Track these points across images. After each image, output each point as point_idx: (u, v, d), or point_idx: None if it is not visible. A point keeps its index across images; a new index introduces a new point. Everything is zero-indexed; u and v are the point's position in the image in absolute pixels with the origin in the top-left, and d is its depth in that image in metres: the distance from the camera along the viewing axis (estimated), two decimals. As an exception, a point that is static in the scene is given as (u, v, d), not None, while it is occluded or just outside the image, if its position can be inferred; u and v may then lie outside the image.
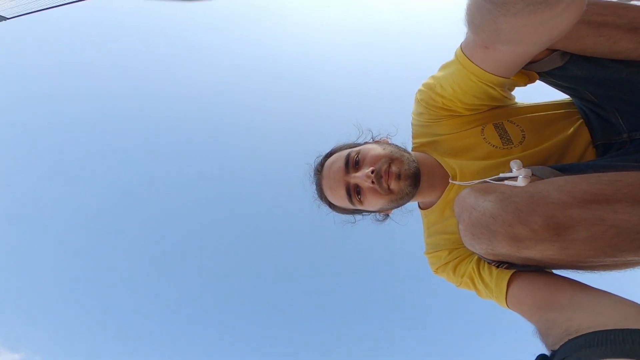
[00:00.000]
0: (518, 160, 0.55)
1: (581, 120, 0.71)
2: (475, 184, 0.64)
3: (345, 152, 0.76)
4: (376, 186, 0.69)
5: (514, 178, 0.54)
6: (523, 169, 0.54)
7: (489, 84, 0.65)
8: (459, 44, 0.65)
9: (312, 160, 0.88)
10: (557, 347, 0.41)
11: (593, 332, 0.37)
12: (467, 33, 0.61)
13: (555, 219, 0.42)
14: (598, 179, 0.44)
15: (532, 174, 0.53)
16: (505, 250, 0.46)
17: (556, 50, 0.62)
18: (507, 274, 0.60)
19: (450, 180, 0.72)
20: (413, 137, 0.83)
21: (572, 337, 0.39)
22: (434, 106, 0.74)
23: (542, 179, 0.52)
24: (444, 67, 0.72)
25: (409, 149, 0.83)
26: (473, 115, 0.73)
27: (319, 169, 0.82)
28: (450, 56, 0.68)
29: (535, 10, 0.42)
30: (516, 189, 0.48)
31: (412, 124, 0.82)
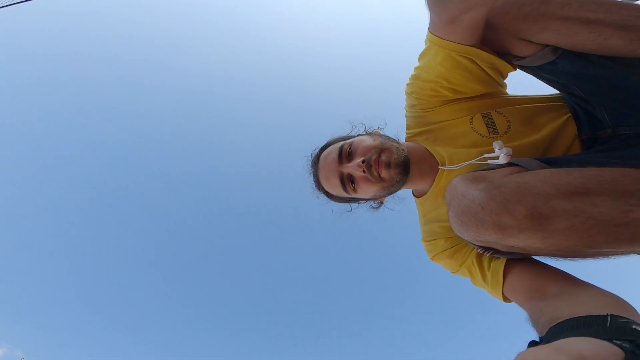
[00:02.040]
0: (500, 141, 0.62)
1: (569, 114, 0.73)
2: (463, 166, 0.69)
3: (338, 145, 0.80)
4: (367, 175, 0.73)
5: (497, 157, 0.60)
6: (504, 148, 0.60)
7: (465, 55, 0.69)
8: (427, 30, 0.71)
9: (309, 153, 0.92)
10: (544, 333, 0.47)
11: (569, 319, 0.44)
12: (430, 17, 0.68)
13: (538, 209, 0.44)
14: (582, 172, 0.47)
15: (520, 166, 0.57)
16: (491, 237, 0.49)
17: (548, 46, 0.64)
18: (501, 265, 0.65)
19: (439, 167, 0.75)
20: (406, 129, 0.87)
21: (553, 324, 0.46)
22: (424, 95, 0.78)
23: (530, 170, 0.55)
24: (421, 56, 0.77)
25: (403, 139, 0.87)
26: (462, 102, 0.77)
27: (315, 161, 0.87)
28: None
29: None
30: (505, 179, 0.51)
31: (405, 116, 0.87)
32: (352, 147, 0.77)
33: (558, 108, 0.76)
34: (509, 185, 0.48)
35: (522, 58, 0.68)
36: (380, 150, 0.74)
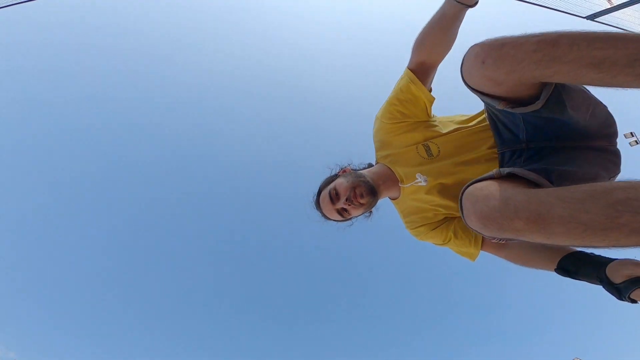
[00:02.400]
0: (419, 173, 1.02)
1: (491, 133, 1.00)
2: (409, 186, 1.06)
3: (326, 191, 1.15)
4: (352, 206, 1.08)
5: (420, 182, 1.02)
6: (423, 177, 1.01)
7: (418, 88, 1.04)
8: (406, 68, 1.06)
9: (309, 197, 1.29)
10: (557, 265, 0.83)
11: (571, 252, 0.83)
12: (411, 57, 1.03)
13: (542, 216, 0.56)
14: (576, 188, 0.57)
15: (512, 173, 0.72)
16: (507, 236, 0.62)
17: (545, 86, 0.70)
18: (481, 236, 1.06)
19: (399, 184, 1.11)
20: (375, 151, 1.22)
21: (560, 257, 0.83)
22: (387, 118, 1.10)
23: (523, 175, 0.71)
24: (394, 87, 1.11)
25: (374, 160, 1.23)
26: (408, 132, 1.10)
27: (317, 205, 1.22)
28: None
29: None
30: (517, 190, 0.65)
31: (373, 141, 1.21)
32: (335, 190, 1.12)
33: (481, 129, 1.04)
34: (521, 197, 0.61)
35: (515, 106, 0.75)
36: (354, 187, 1.08)
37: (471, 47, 0.71)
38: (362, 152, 1.30)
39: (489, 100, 0.76)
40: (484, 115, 1.07)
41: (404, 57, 1.07)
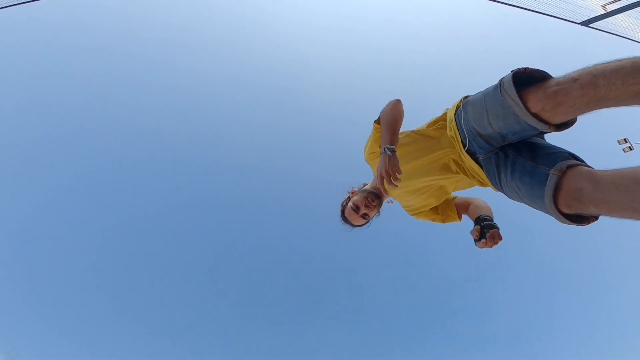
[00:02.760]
0: (388, 197, 1.62)
1: (426, 155, 1.36)
2: (389, 200, 1.64)
3: (349, 207, 1.63)
4: (370, 208, 1.58)
5: (389, 201, 1.64)
6: (390, 197, 1.63)
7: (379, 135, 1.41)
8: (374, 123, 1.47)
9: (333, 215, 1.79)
10: (479, 220, 1.26)
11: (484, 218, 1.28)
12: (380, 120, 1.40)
13: (606, 202, 0.75)
14: (632, 176, 0.71)
15: (565, 169, 0.87)
16: (584, 213, 0.84)
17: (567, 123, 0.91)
18: (454, 208, 1.58)
19: (384, 196, 1.64)
20: (371, 168, 1.65)
21: (484, 216, 1.27)
22: (369, 151, 1.55)
23: (574, 165, 0.87)
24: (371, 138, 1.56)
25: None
26: (377, 158, 1.47)
27: (345, 220, 1.69)
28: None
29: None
30: (584, 182, 0.81)
31: (365, 162, 1.65)
32: (355, 204, 1.60)
33: (443, 141, 1.35)
34: (590, 187, 0.79)
35: (558, 128, 0.92)
36: (366, 197, 1.58)
37: (528, 94, 0.88)
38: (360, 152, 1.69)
39: (542, 128, 0.91)
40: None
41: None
